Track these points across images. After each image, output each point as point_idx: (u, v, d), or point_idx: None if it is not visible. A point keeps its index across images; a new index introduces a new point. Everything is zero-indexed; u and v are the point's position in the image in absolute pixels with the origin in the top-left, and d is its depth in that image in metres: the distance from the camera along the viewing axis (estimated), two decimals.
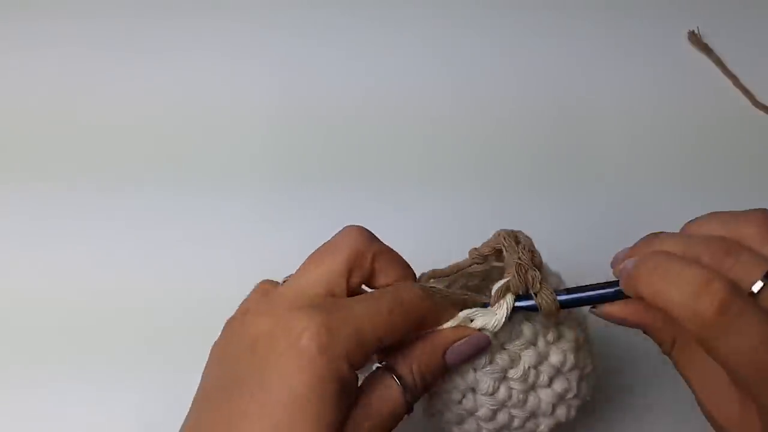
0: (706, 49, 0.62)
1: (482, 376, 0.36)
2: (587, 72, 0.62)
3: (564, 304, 0.36)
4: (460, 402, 0.37)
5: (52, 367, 0.49)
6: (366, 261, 0.34)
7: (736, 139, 0.59)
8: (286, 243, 0.46)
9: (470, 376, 0.37)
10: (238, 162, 0.57)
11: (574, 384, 0.38)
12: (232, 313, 0.35)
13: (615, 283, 0.35)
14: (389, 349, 0.34)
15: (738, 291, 0.29)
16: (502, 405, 0.37)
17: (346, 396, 0.31)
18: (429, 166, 0.57)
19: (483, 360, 0.36)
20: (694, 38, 0.62)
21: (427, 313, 0.34)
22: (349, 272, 0.34)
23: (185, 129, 0.58)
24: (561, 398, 0.38)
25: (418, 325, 0.34)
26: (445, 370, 0.35)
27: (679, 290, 0.30)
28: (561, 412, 0.39)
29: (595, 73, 0.61)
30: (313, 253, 0.35)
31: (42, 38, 0.62)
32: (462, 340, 0.35)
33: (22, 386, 0.48)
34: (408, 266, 0.37)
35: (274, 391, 0.30)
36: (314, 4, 0.64)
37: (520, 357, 0.37)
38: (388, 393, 0.33)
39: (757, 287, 0.30)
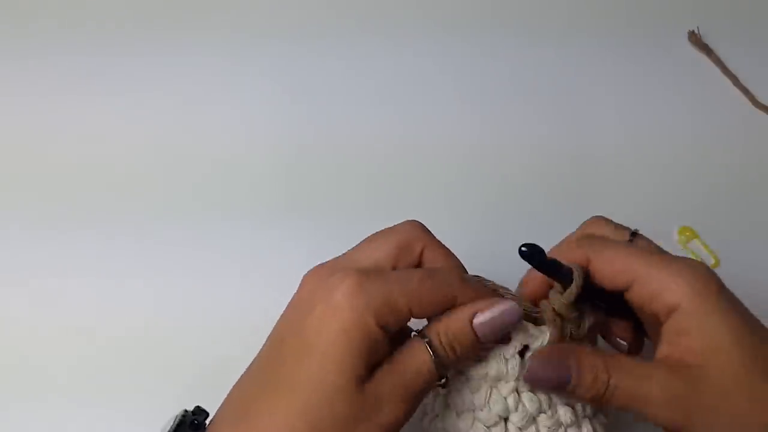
0: (706, 49, 0.62)
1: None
2: (587, 72, 0.62)
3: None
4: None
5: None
6: (415, 250, 0.37)
7: (736, 139, 0.59)
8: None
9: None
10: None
11: None
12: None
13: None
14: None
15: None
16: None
17: (371, 350, 0.33)
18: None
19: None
20: (694, 38, 0.62)
21: (459, 294, 0.35)
22: (397, 257, 0.36)
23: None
24: None
25: (450, 304, 0.35)
26: (475, 340, 0.35)
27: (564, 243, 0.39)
28: None
29: (595, 73, 0.62)
30: (370, 234, 0.38)
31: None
32: (489, 308, 0.35)
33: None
34: (456, 260, 0.38)
35: (307, 337, 0.33)
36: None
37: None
38: (415, 354, 0.34)
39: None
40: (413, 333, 0.36)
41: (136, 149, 0.58)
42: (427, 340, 0.35)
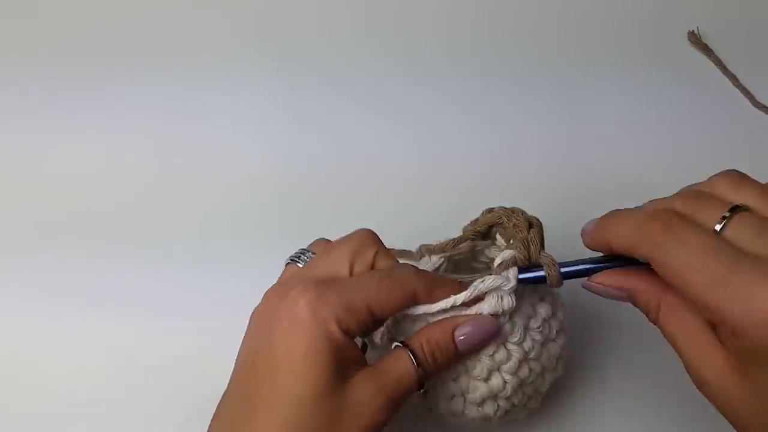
0: (706, 49, 0.62)
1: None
2: (586, 73, 0.62)
3: (565, 276, 0.38)
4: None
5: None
6: (368, 254, 0.38)
7: (736, 139, 0.59)
8: None
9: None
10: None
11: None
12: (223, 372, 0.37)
13: (603, 259, 0.37)
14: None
15: (682, 217, 0.33)
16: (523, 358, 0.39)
17: (339, 356, 0.34)
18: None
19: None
20: (694, 38, 0.62)
21: (418, 288, 0.36)
22: (352, 262, 0.37)
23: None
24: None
25: (410, 299, 0.37)
26: (454, 349, 0.37)
27: (632, 221, 0.34)
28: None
29: (595, 74, 0.62)
30: (323, 249, 0.39)
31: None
32: (468, 321, 0.37)
33: None
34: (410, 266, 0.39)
35: (276, 356, 0.34)
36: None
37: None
38: (398, 362, 0.36)
39: (718, 226, 0.32)
40: (396, 344, 0.37)
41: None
42: (409, 348, 0.36)
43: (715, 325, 0.32)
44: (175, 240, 0.54)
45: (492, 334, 0.37)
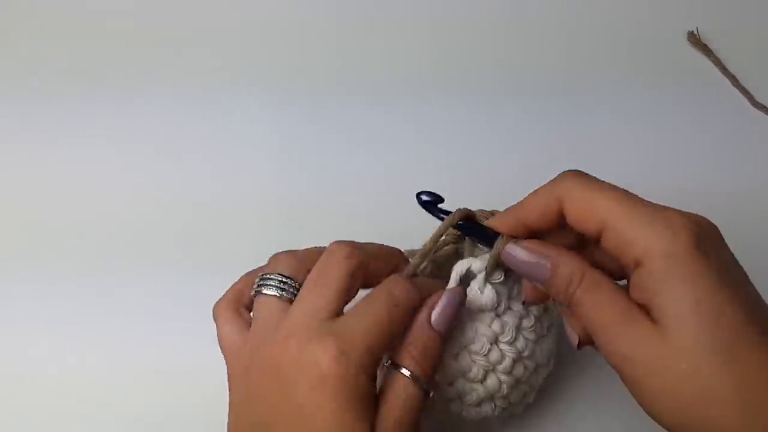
0: (706, 49, 0.62)
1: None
2: (585, 74, 0.62)
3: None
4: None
5: None
6: (361, 274, 0.37)
7: (735, 139, 0.59)
8: None
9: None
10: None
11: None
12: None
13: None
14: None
15: None
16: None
17: (371, 404, 0.34)
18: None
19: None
20: (694, 38, 0.62)
21: (418, 303, 0.37)
22: (348, 291, 0.37)
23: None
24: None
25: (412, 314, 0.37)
26: (440, 338, 0.37)
27: (540, 189, 0.36)
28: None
29: (593, 74, 0.62)
30: (311, 279, 0.37)
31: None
32: (435, 302, 0.37)
33: None
34: (397, 254, 0.41)
35: (310, 420, 0.33)
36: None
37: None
38: (400, 386, 0.35)
39: None
40: (386, 363, 0.36)
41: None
42: (407, 372, 0.35)
43: (631, 259, 0.33)
44: (173, 247, 0.55)
45: (459, 297, 0.37)
